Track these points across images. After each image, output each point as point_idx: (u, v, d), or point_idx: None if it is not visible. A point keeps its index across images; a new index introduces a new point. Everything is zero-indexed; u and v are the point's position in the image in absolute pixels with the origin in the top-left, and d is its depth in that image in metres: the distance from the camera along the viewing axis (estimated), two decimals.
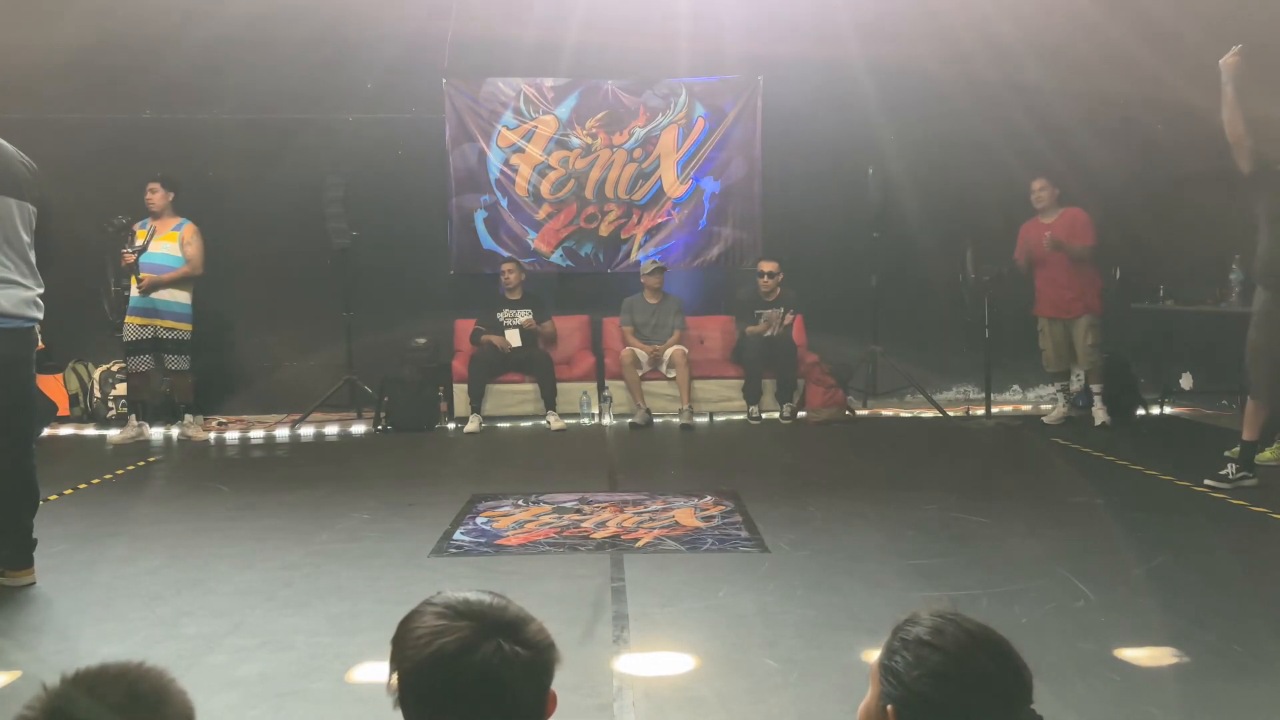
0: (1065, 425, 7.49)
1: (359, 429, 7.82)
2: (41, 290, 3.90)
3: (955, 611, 1.35)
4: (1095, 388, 7.48)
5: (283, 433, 7.69)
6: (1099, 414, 7.41)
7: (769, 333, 7.94)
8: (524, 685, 1.25)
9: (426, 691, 1.25)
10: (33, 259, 3.87)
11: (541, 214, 8.64)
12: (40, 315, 3.90)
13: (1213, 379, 7.92)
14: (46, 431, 7.42)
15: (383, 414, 7.67)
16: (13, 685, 2.99)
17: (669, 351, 7.98)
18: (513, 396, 7.92)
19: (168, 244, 7.36)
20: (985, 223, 8.25)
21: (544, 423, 7.76)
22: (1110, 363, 7.54)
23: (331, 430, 7.80)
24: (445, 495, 5.39)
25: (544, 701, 1.30)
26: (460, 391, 7.90)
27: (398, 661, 1.28)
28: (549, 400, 7.80)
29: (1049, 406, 7.99)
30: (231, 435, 7.66)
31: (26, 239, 3.83)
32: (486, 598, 1.32)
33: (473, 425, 7.65)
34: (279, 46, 8.12)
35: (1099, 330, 7.42)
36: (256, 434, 7.68)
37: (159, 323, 7.36)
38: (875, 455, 6.74)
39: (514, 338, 7.96)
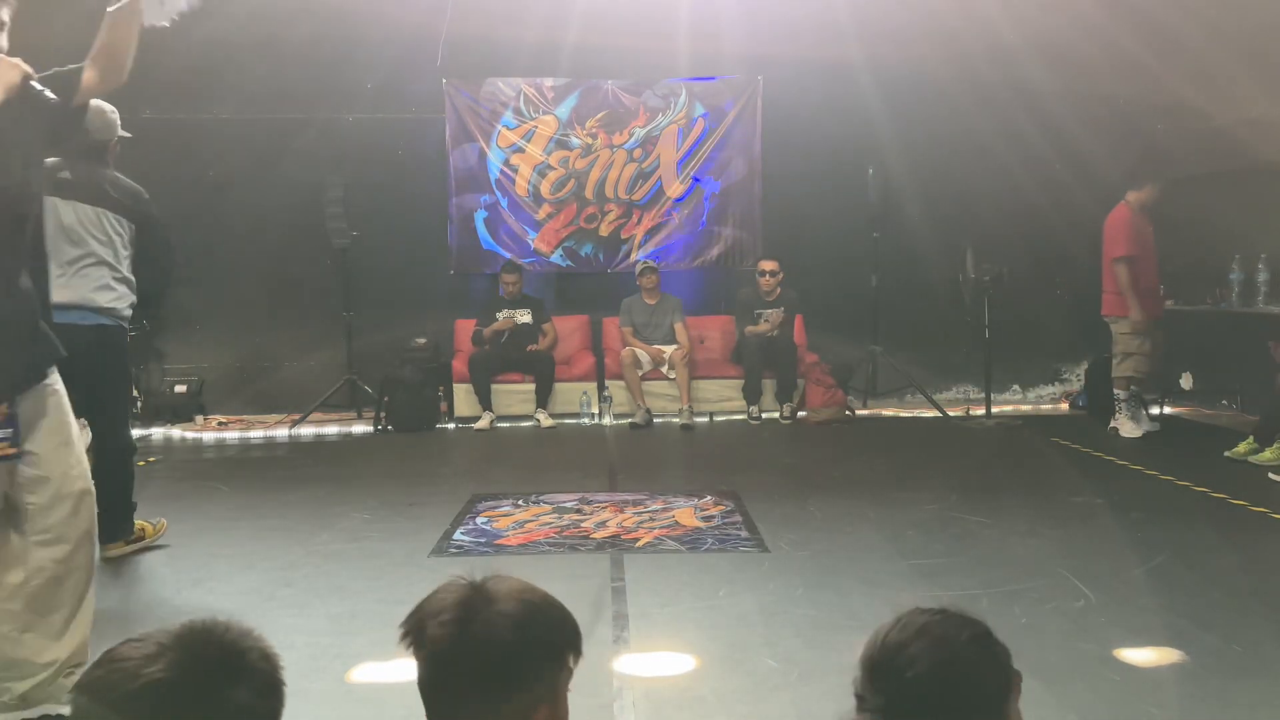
0: (1071, 425, 7.50)
1: (359, 429, 7.82)
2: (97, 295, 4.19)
3: (914, 628, 1.33)
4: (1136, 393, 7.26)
5: (283, 433, 7.68)
6: (1145, 422, 7.03)
7: (772, 333, 7.93)
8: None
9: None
10: (97, 260, 4.19)
11: (541, 214, 8.64)
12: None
13: (1213, 379, 7.92)
14: None
15: (383, 414, 7.67)
16: None
17: (669, 351, 7.98)
18: (513, 396, 7.91)
19: None
20: (985, 223, 8.26)
21: (535, 420, 7.77)
22: (1109, 363, 7.56)
23: (331, 430, 7.80)
24: (445, 495, 5.40)
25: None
26: (460, 391, 7.90)
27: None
28: (542, 398, 7.82)
29: (1063, 406, 7.97)
30: (232, 435, 7.66)
31: (105, 241, 4.20)
32: (505, 583, 1.37)
33: (483, 423, 7.66)
34: (279, 46, 8.12)
35: None
36: (256, 434, 7.68)
37: None
38: (875, 455, 6.73)
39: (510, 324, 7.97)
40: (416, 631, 1.32)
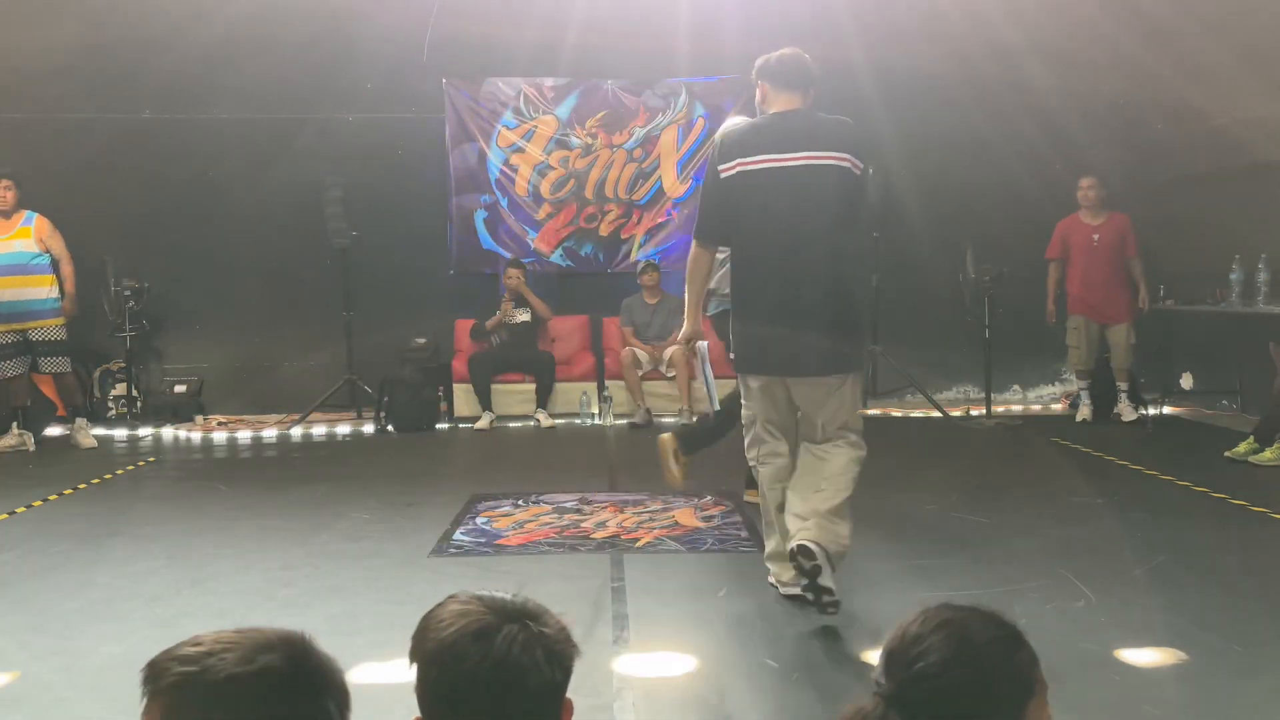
0: (1071, 424, 7.50)
1: (359, 429, 7.81)
2: None
3: (935, 622, 1.31)
4: (1124, 386, 7.53)
5: (283, 433, 7.68)
6: (1128, 411, 7.48)
7: None
8: (544, 671, 1.24)
9: (446, 677, 1.25)
10: None
11: (541, 214, 8.64)
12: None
13: (1213, 379, 7.92)
14: (45, 432, 7.42)
15: (383, 414, 7.67)
16: (12, 685, 2.99)
17: (669, 351, 7.98)
18: (513, 396, 7.91)
19: (21, 241, 6.91)
20: (985, 223, 8.25)
21: (534, 420, 7.77)
22: (1107, 363, 7.58)
23: (332, 430, 7.80)
24: (445, 495, 5.39)
25: (559, 701, 1.28)
26: (460, 391, 7.91)
27: (418, 648, 1.29)
28: (542, 398, 7.83)
29: (1059, 407, 8.00)
30: (231, 435, 7.66)
31: None
32: (507, 594, 1.33)
33: (483, 423, 7.66)
34: (279, 46, 8.11)
35: (1136, 332, 7.51)
36: (256, 434, 7.67)
37: (29, 325, 6.92)
38: (875, 455, 6.69)
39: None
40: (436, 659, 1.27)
